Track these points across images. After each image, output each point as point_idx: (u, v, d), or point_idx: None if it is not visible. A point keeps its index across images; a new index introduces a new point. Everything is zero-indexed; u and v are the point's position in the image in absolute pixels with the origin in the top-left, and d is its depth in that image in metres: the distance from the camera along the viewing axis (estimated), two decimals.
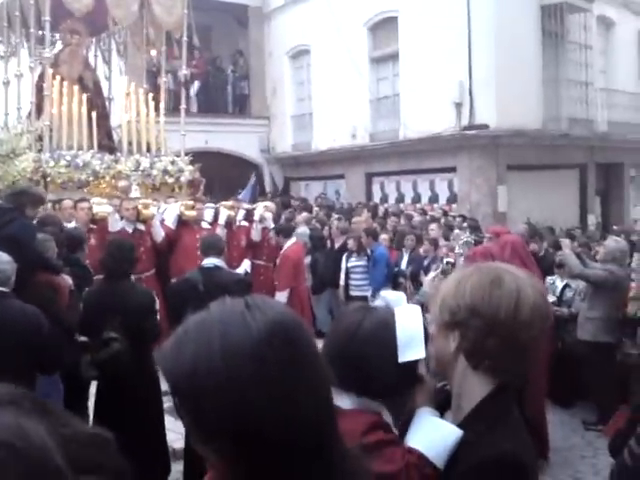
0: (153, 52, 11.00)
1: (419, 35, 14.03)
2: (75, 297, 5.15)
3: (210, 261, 5.10)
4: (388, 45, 15.33)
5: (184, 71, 11.20)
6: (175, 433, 4.93)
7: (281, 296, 8.02)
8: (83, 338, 4.49)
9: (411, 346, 1.56)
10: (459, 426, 1.49)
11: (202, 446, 1.00)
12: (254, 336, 0.96)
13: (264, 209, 9.15)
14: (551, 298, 7.05)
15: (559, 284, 7.40)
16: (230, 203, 9.38)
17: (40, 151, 8.90)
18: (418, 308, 1.68)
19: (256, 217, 8.82)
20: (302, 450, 0.96)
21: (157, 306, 4.94)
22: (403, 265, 8.77)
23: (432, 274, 6.75)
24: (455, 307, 1.46)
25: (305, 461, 0.97)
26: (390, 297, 1.77)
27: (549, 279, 7.45)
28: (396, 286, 8.40)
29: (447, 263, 6.73)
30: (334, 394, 1.59)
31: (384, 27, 15.39)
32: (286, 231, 8.38)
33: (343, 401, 1.59)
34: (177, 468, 4.66)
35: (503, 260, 5.54)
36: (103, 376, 4.55)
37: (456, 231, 8.81)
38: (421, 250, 8.66)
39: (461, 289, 1.47)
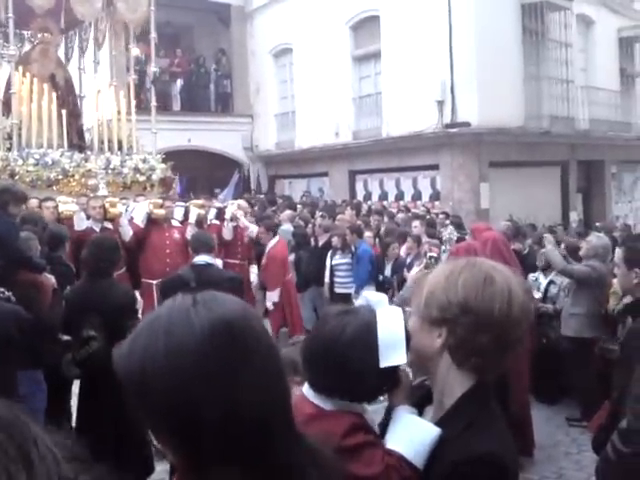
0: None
1: (401, 34, 14.06)
2: (58, 296, 5.11)
3: (201, 258, 5.07)
4: (370, 44, 15.35)
5: (153, 68, 11.14)
6: None
7: (273, 295, 8.03)
8: (66, 337, 4.45)
9: (393, 351, 1.54)
10: (439, 423, 1.47)
11: (159, 442, 1.00)
12: (196, 333, 0.95)
13: (236, 207, 9.10)
14: (536, 294, 7.09)
15: (543, 280, 7.44)
16: (200, 202, 9.30)
17: (9, 149, 8.80)
18: (400, 310, 1.66)
19: (227, 216, 8.77)
20: (250, 449, 0.96)
21: (138, 305, 4.90)
22: (387, 271, 8.74)
23: (415, 269, 6.75)
24: (445, 303, 1.43)
25: (255, 459, 0.97)
26: (372, 298, 1.75)
27: (532, 276, 7.49)
28: (382, 291, 8.39)
29: (430, 258, 6.73)
30: (316, 396, 1.60)
31: (366, 26, 15.41)
32: (273, 229, 8.39)
33: (324, 402, 1.59)
34: (163, 467, 4.62)
35: (485, 257, 5.55)
36: (83, 375, 4.51)
37: (449, 227, 8.73)
38: (403, 247, 8.65)
39: (452, 285, 1.44)
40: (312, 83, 16.59)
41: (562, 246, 7.50)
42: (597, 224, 12.47)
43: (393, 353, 1.54)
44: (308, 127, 16.88)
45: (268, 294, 8.11)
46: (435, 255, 7.48)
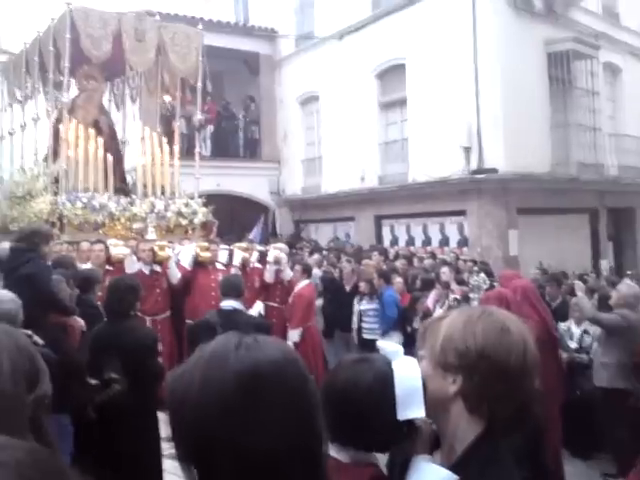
0: (167, 98, 11.18)
1: (427, 81, 14.21)
2: (86, 338, 5.14)
3: (228, 303, 5.07)
4: (396, 91, 15.51)
5: (198, 116, 11.39)
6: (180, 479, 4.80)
7: (294, 334, 8.04)
8: (94, 381, 4.45)
9: (410, 404, 1.54)
10: (453, 469, 1.47)
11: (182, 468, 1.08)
12: (229, 376, 1.01)
13: (278, 251, 9.15)
14: (572, 344, 6.97)
15: (575, 330, 7.30)
16: (244, 245, 9.45)
17: (56, 193, 8.99)
18: (416, 361, 1.65)
19: (269, 258, 8.82)
20: None
21: (159, 347, 4.90)
22: (416, 323, 8.63)
23: (439, 311, 6.66)
24: (464, 350, 1.44)
25: None
26: (387, 349, 1.73)
27: (563, 325, 7.35)
28: (410, 342, 8.30)
29: (454, 299, 6.67)
30: (331, 446, 1.58)
31: (392, 74, 15.61)
32: (309, 271, 8.58)
33: (340, 454, 1.60)
34: None
35: (516, 305, 5.50)
36: (101, 418, 4.48)
37: (481, 275, 8.62)
38: (431, 294, 8.55)
39: (470, 332, 1.45)
40: (338, 129, 16.81)
41: (595, 296, 7.38)
42: (628, 272, 12.27)
43: (411, 406, 1.54)
44: (334, 172, 17.04)
45: (290, 332, 8.12)
46: (459, 297, 7.41)
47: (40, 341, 4.29)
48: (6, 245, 5.78)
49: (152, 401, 4.73)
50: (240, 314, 5.13)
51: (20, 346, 1.37)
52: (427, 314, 8.24)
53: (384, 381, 1.57)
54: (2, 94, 11.91)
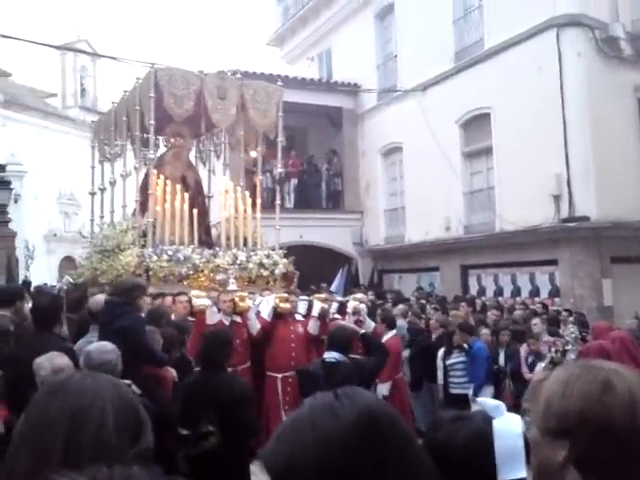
0: (254, 153, 11.52)
1: (513, 130, 14.03)
2: (178, 389, 5.23)
3: (332, 355, 5.07)
4: (481, 140, 15.40)
5: (279, 170, 11.62)
6: None
7: (383, 388, 7.89)
8: (185, 431, 4.49)
9: (511, 464, 1.46)
10: None
11: None
12: (342, 425, 1.00)
13: (357, 301, 9.08)
14: None
15: None
16: (323, 296, 9.39)
17: (144, 246, 9.27)
18: (518, 418, 1.57)
19: (349, 309, 8.76)
20: None
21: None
22: (501, 361, 8.43)
23: (542, 365, 6.40)
24: (563, 413, 1.32)
25: None
26: (489, 405, 1.65)
27: None
28: (498, 384, 8.08)
29: (556, 352, 6.41)
30: None
31: (476, 123, 15.53)
32: (390, 321, 8.45)
33: None
34: None
35: (616, 356, 5.24)
36: (193, 470, 4.49)
37: (570, 326, 8.34)
38: (522, 348, 8.27)
39: (568, 392, 1.34)
40: (421, 179, 16.77)
41: None
42: None
43: (512, 466, 1.46)
44: (418, 222, 16.96)
45: (379, 386, 7.97)
46: (560, 348, 7.09)
47: (138, 390, 4.39)
48: (100, 298, 6.00)
49: (245, 453, 4.72)
50: (343, 366, 5.08)
51: (124, 397, 1.34)
52: (511, 350, 7.98)
53: (483, 440, 1.50)
54: (94, 152, 12.58)
